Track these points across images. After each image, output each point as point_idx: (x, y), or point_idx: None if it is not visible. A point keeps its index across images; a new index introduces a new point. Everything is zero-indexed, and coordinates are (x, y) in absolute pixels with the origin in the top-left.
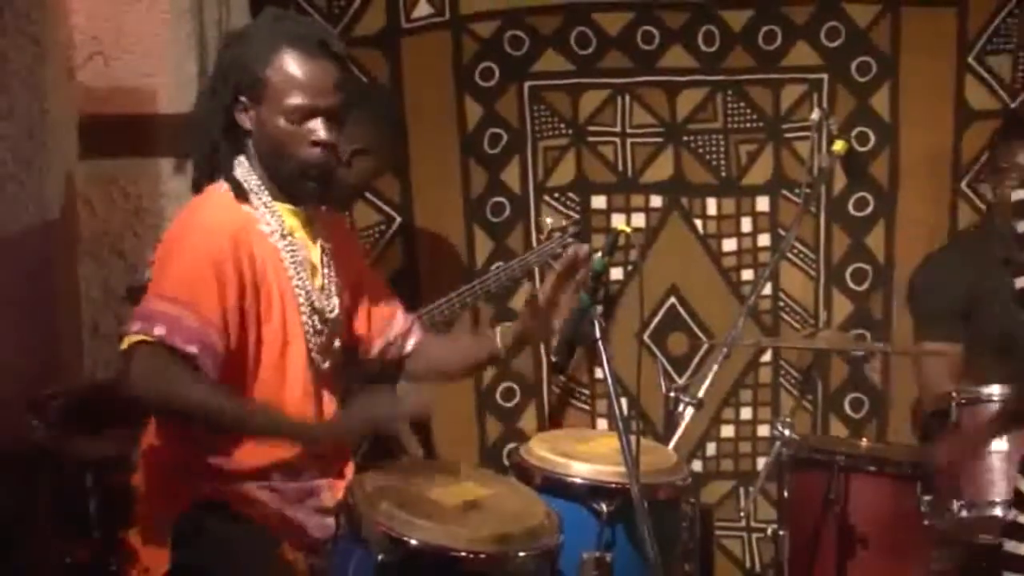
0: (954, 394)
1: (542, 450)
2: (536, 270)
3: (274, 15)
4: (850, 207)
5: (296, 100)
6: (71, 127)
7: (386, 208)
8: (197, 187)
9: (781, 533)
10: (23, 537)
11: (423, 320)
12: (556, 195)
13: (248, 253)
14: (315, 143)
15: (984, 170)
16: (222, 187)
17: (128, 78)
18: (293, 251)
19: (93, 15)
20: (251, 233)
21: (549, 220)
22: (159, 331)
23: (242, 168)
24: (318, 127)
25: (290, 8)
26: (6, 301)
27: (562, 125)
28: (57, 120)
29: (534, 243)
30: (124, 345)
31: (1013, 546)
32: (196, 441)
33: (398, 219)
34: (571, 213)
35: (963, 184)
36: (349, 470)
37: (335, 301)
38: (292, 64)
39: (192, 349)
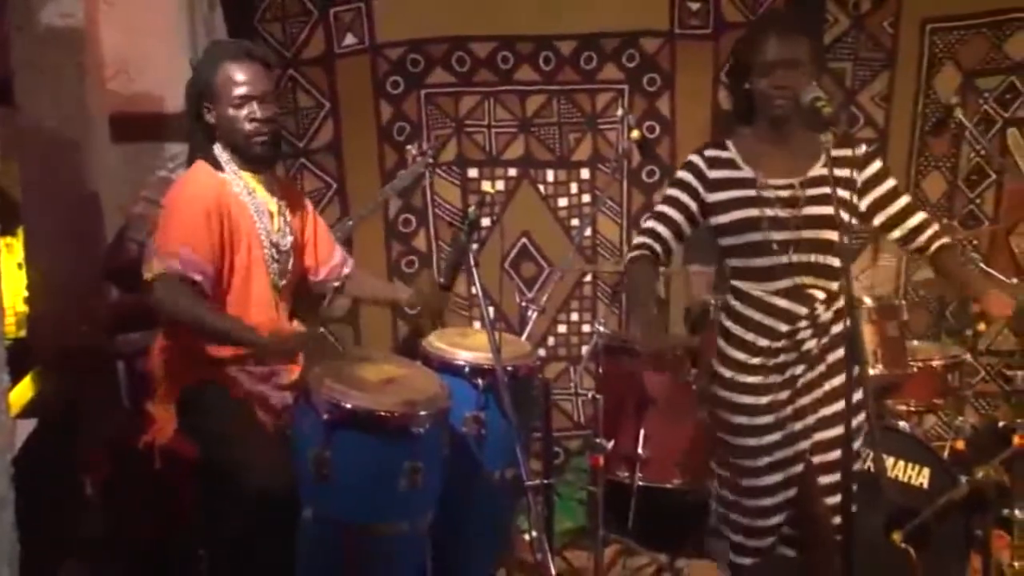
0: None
1: (438, 342)
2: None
3: (213, 44)
4: (643, 176)
5: (235, 92)
6: (104, 121)
7: (326, 177)
8: (190, 163)
9: (598, 397)
10: (81, 411)
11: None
12: (443, 167)
13: (226, 205)
14: (252, 119)
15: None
16: (202, 164)
17: (145, 88)
18: (256, 204)
19: (120, 44)
20: (227, 194)
21: (412, 148)
22: (175, 265)
23: (216, 150)
24: (254, 108)
25: (255, 39)
26: (65, 248)
27: (447, 119)
28: (94, 116)
29: (429, 201)
30: (148, 276)
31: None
32: (193, 338)
33: (335, 185)
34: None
35: None
36: (300, 357)
37: (289, 239)
38: (229, 69)
39: (198, 277)
